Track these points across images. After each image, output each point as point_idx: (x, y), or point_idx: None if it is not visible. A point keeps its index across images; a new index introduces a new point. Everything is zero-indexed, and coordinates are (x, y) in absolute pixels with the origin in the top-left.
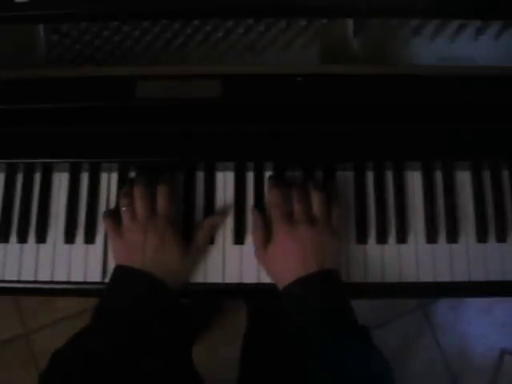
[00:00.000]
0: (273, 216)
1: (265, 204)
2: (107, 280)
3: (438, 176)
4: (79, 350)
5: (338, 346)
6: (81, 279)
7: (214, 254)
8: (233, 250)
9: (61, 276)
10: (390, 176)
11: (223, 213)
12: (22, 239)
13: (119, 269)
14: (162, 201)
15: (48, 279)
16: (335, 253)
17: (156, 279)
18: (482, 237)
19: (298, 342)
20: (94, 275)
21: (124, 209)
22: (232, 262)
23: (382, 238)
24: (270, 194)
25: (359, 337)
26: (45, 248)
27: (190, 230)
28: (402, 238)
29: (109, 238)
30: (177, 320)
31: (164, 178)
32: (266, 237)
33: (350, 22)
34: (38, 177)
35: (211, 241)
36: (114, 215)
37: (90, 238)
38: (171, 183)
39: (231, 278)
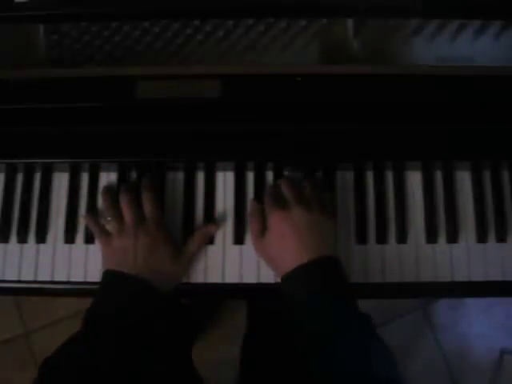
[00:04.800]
0: (266, 206)
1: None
2: None
3: (438, 176)
4: (70, 359)
5: (339, 339)
6: (81, 279)
7: (214, 254)
8: (233, 250)
9: (61, 276)
10: (390, 176)
11: (218, 222)
12: (22, 239)
13: (109, 274)
14: (148, 206)
15: (48, 279)
16: (332, 235)
17: (146, 283)
18: (482, 237)
19: (298, 334)
20: (94, 275)
21: (109, 219)
22: (232, 261)
23: (381, 238)
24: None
25: (362, 326)
26: (45, 248)
27: (189, 230)
28: (402, 238)
29: (99, 243)
30: (176, 320)
31: (145, 184)
32: (263, 228)
33: (350, 22)
34: (37, 177)
35: (211, 241)
36: (98, 223)
37: (89, 238)
38: (153, 188)
39: (231, 277)
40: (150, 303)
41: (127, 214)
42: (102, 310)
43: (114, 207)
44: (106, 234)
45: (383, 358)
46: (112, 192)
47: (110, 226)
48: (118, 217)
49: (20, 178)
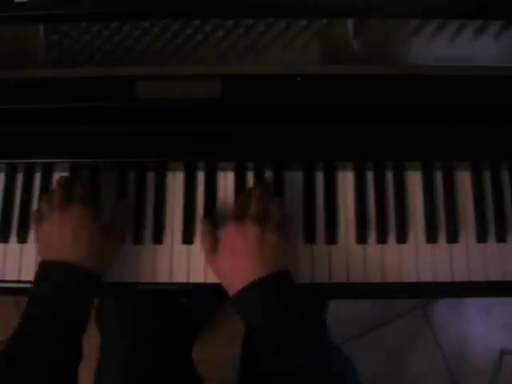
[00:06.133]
0: (230, 214)
1: None
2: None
3: (438, 176)
4: (9, 357)
5: (288, 357)
6: None
7: None
8: None
9: None
10: (390, 176)
11: (135, 214)
12: (22, 239)
13: (40, 264)
14: (77, 190)
15: None
16: (286, 256)
17: (77, 267)
18: (482, 237)
19: (255, 353)
20: None
21: (41, 203)
22: None
23: (382, 238)
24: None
25: (314, 339)
26: None
27: (189, 230)
28: (402, 238)
29: (35, 233)
30: (176, 320)
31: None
32: (215, 243)
33: (350, 22)
34: (37, 177)
35: None
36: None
37: None
38: (86, 175)
39: None
40: (81, 289)
41: (55, 196)
42: (36, 303)
43: (48, 194)
44: (39, 220)
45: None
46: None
47: (42, 209)
48: (48, 200)
49: (20, 178)
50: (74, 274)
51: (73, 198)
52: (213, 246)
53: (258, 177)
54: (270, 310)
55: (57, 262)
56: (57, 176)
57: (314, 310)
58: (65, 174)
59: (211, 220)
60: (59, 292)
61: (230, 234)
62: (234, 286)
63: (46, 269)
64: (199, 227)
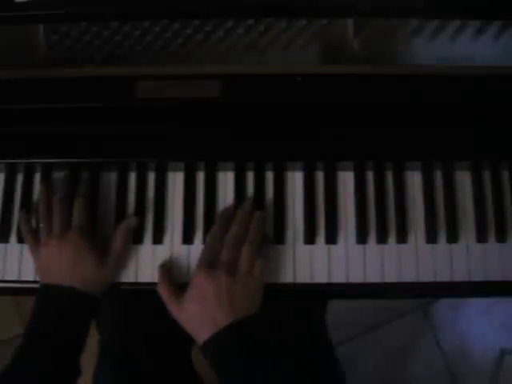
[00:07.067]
0: (200, 256)
1: (263, 205)
2: None
3: (438, 176)
4: (13, 373)
5: None
6: None
7: None
8: None
9: None
10: (390, 176)
11: (135, 214)
12: (22, 239)
13: (42, 287)
14: (76, 213)
15: None
16: (256, 300)
17: (77, 291)
18: (482, 237)
19: None
20: None
21: (41, 225)
22: None
23: (382, 238)
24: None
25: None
26: None
27: (190, 230)
28: (402, 238)
29: (31, 254)
30: (176, 320)
31: (80, 190)
32: (177, 291)
33: (350, 22)
34: (37, 177)
35: None
36: (33, 231)
37: None
38: (87, 194)
39: None
40: (82, 311)
41: (55, 222)
42: (38, 325)
43: (47, 214)
44: (35, 243)
45: None
46: (51, 196)
47: (41, 232)
48: (47, 225)
49: (20, 178)
50: (71, 296)
51: (70, 224)
52: (174, 293)
53: (259, 177)
54: (230, 361)
55: (54, 286)
56: (56, 176)
57: (313, 310)
58: (65, 173)
59: (167, 272)
60: (55, 312)
61: (201, 282)
62: (202, 333)
63: (44, 291)
64: (198, 228)
